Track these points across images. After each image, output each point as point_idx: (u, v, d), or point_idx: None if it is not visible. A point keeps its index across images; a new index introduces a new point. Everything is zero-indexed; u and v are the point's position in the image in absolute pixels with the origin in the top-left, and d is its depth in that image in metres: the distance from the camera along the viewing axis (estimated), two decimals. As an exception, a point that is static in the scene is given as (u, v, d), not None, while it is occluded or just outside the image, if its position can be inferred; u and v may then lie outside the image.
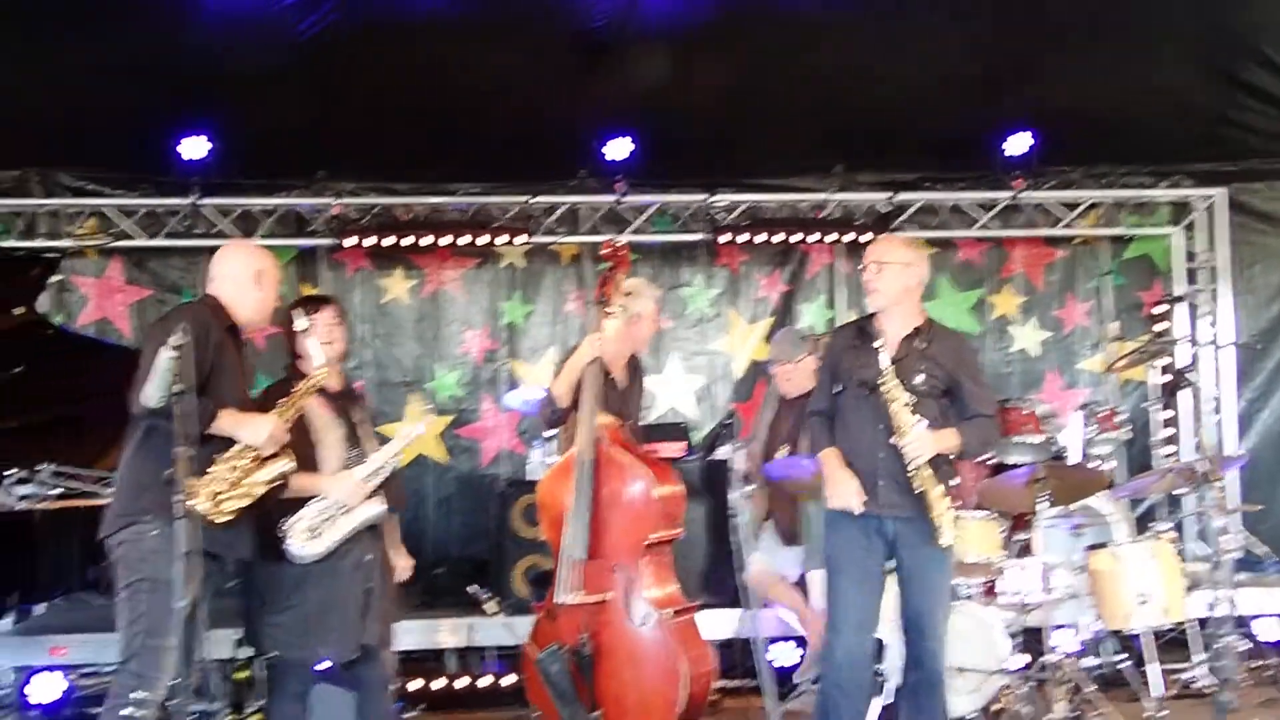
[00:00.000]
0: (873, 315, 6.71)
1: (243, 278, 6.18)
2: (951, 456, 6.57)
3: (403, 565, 6.88)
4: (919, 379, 6.43)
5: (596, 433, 7.30)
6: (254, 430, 5.87)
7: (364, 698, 6.59)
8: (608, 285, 7.51)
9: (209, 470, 5.76)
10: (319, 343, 6.40)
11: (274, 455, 5.92)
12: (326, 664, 8.03)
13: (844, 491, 6.45)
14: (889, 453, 6.36)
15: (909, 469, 6.28)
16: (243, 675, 8.84)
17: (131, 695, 5.74)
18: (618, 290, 7.53)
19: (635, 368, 7.98)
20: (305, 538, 6.11)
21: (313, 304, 6.67)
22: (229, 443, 5.84)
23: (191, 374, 5.49)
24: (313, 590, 6.21)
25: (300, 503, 6.19)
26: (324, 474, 6.31)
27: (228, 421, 5.84)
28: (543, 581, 7.64)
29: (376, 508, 6.25)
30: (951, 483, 6.52)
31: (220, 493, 5.77)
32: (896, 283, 6.60)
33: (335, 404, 6.48)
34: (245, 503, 5.84)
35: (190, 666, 5.86)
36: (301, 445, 6.26)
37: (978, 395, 6.61)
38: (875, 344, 6.39)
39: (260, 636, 6.35)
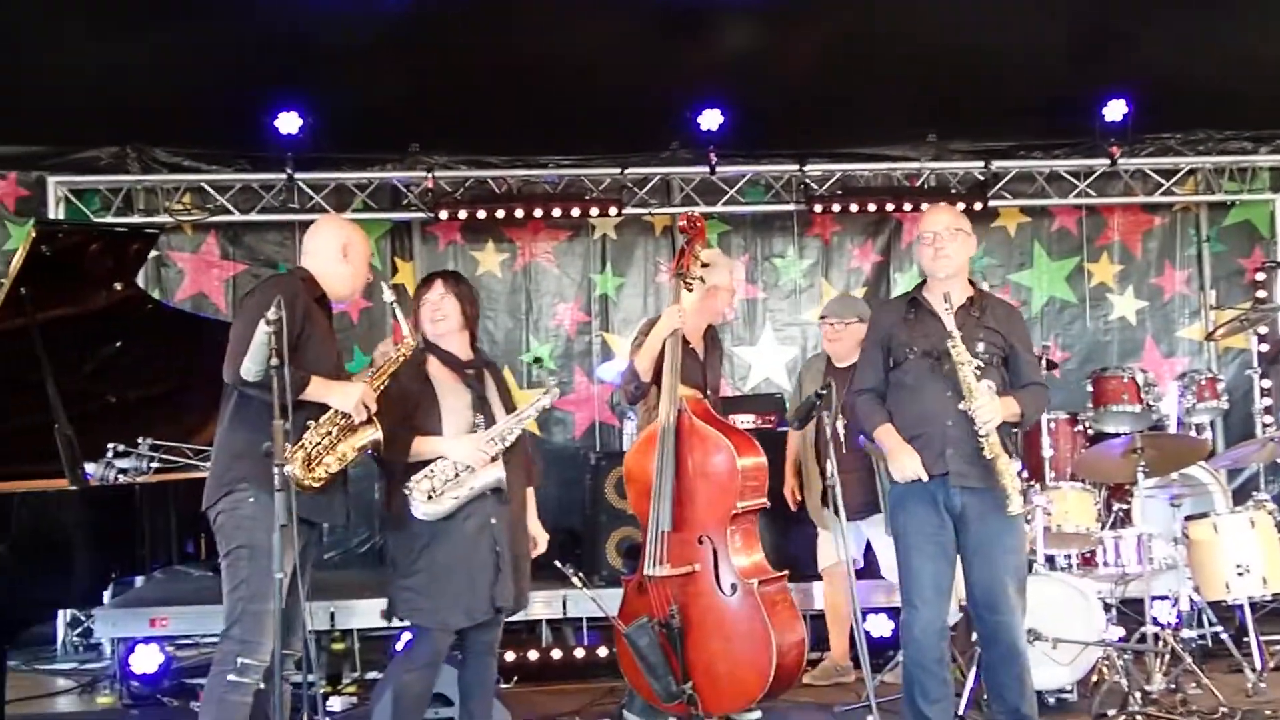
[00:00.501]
0: (920, 286, 6.67)
1: (329, 252, 6.19)
2: (1013, 427, 6.52)
3: (538, 538, 6.80)
4: (980, 347, 6.35)
5: (678, 404, 7.31)
6: (344, 396, 5.88)
7: (468, 662, 6.56)
8: (685, 257, 7.50)
9: (303, 436, 5.80)
10: (427, 317, 6.45)
11: (365, 424, 5.93)
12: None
13: (908, 462, 6.40)
14: (957, 420, 6.27)
15: (980, 433, 6.18)
16: (339, 647, 8.94)
17: (237, 660, 5.79)
18: (696, 261, 7.53)
19: (713, 339, 7.97)
20: (426, 498, 6.13)
21: (425, 280, 6.67)
22: (320, 411, 5.87)
23: (284, 344, 5.53)
24: (439, 553, 6.19)
25: (425, 465, 6.22)
26: (448, 434, 6.31)
27: (318, 388, 5.85)
28: (635, 553, 7.65)
29: (497, 472, 6.21)
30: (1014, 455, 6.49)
31: (312, 457, 5.81)
32: (964, 251, 6.56)
33: (461, 372, 6.45)
34: (336, 468, 5.87)
35: (294, 636, 5.92)
36: (427, 410, 6.30)
37: (1031, 363, 6.57)
38: (944, 307, 6.32)
39: (395, 602, 6.37)
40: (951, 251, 6.49)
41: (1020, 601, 6.41)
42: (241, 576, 5.82)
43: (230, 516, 5.85)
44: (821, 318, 8.69)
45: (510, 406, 6.56)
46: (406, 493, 6.14)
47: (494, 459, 6.25)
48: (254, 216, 11.20)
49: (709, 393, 7.67)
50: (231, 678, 5.78)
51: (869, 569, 8.59)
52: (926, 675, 6.41)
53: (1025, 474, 9.03)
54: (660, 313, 8.13)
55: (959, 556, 6.46)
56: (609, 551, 9.42)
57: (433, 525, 6.18)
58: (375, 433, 5.94)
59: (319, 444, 5.83)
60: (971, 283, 6.65)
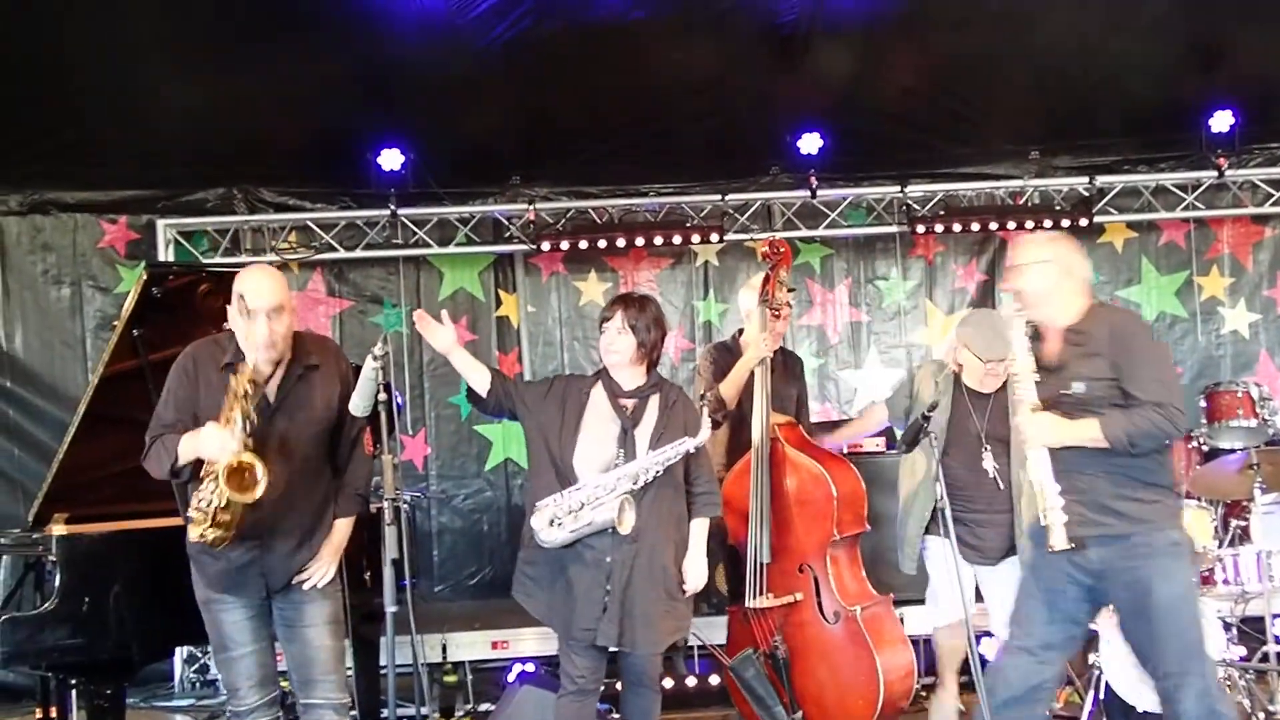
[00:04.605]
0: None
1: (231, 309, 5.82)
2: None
3: (690, 573, 6.39)
4: (1079, 387, 5.74)
5: (772, 432, 7.27)
6: (200, 443, 5.52)
7: (625, 692, 6.47)
8: (770, 284, 7.48)
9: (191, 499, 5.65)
10: (603, 346, 6.36)
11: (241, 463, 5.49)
12: (530, 667, 8.16)
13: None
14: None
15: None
16: (451, 679, 8.96)
17: (227, 710, 5.85)
18: (781, 288, 7.50)
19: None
20: (548, 523, 6.10)
21: (611, 303, 6.47)
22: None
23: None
24: (558, 571, 6.20)
25: (553, 486, 6.16)
26: (578, 463, 6.21)
27: (187, 446, 5.58)
28: (735, 574, 7.63)
29: (609, 513, 5.98)
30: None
31: (209, 514, 5.55)
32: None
33: (620, 403, 6.31)
34: (221, 503, 5.49)
35: (315, 684, 5.84)
36: (566, 434, 6.24)
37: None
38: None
39: (516, 577, 6.36)
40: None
41: (1181, 665, 5.67)
42: (209, 629, 5.83)
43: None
44: (987, 360, 7.12)
45: (683, 427, 6.27)
46: (534, 513, 6.13)
47: (618, 497, 6.07)
48: (359, 253, 11.33)
49: (800, 420, 7.68)
50: None
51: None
52: None
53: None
54: (733, 338, 8.14)
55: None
56: (716, 579, 9.38)
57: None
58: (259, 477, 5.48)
59: (211, 499, 5.55)
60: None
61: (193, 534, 5.60)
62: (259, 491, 5.48)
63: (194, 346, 5.87)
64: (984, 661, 7.79)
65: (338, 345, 6.20)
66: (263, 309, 5.59)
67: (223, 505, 5.49)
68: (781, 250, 7.59)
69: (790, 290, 7.70)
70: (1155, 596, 5.62)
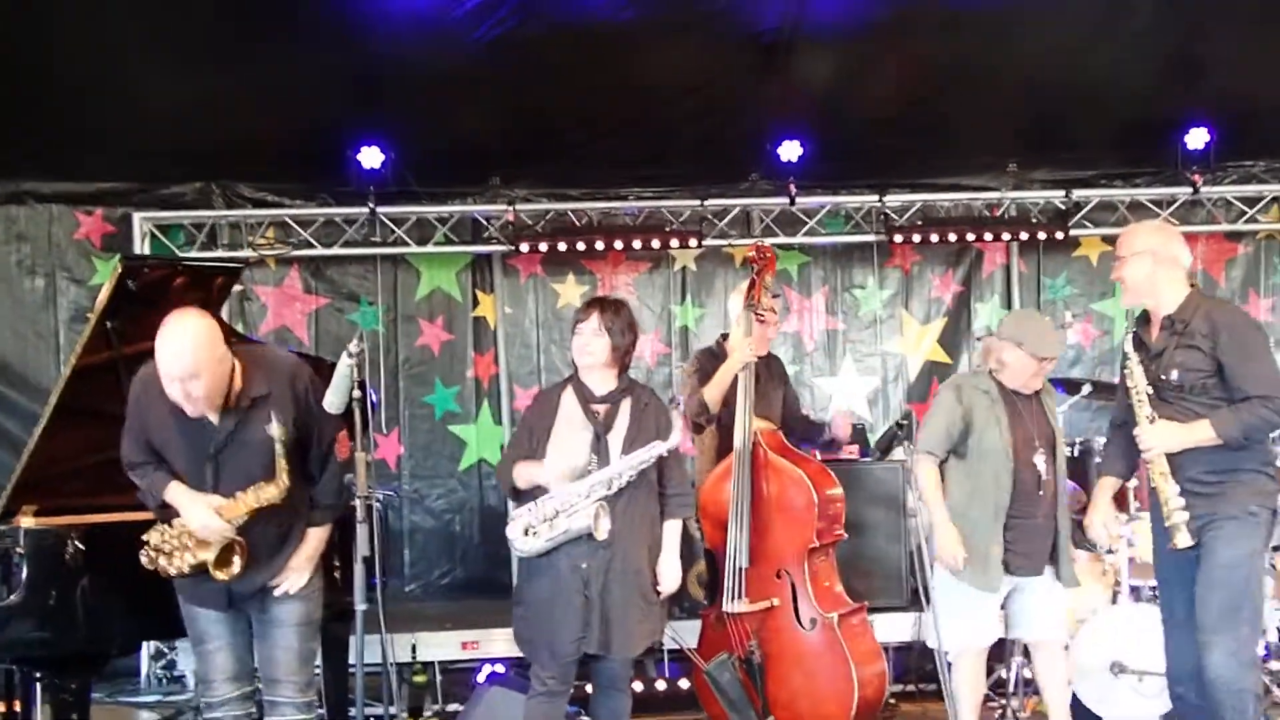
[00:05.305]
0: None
1: None
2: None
3: (664, 575, 6.44)
4: (1174, 374, 6.06)
5: (754, 438, 7.28)
6: (193, 517, 5.66)
7: (596, 695, 6.57)
8: (756, 289, 7.49)
9: (151, 533, 5.81)
10: (576, 348, 6.38)
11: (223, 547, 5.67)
12: (499, 668, 8.16)
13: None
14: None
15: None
16: (420, 679, 8.95)
17: (202, 700, 5.98)
18: (766, 293, 7.51)
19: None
20: (523, 533, 6.13)
21: (586, 306, 6.54)
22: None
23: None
24: (533, 589, 6.26)
25: (531, 499, 6.21)
26: (550, 471, 6.23)
27: (177, 494, 5.74)
28: (713, 584, 7.63)
29: (585, 520, 6.03)
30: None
31: (160, 550, 5.75)
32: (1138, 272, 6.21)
33: (588, 409, 6.36)
34: (172, 572, 5.73)
35: (278, 681, 5.91)
36: (538, 441, 6.31)
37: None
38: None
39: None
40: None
41: (1217, 624, 5.97)
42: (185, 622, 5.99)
43: None
44: (1042, 358, 6.98)
45: (654, 430, 6.34)
46: (509, 522, 6.15)
47: (593, 504, 6.11)
48: (336, 250, 11.29)
49: (780, 426, 7.66)
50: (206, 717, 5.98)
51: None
52: None
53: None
54: (717, 343, 8.14)
55: None
56: (690, 583, 9.38)
57: (531, 559, 6.19)
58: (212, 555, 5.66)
59: (168, 544, 5.75)
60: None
61: (143, 558, 5.74)
62: (234, 571, 5.64)
63: (145, 370, 5.83)
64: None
65: (294, 364, 6.02)
66: (175, 377, 5.53)
67: (196, 563, 5.65)
68: (767, 256, 7.60)
69: (775, 296, 7.70)
70: (1213, 555, 5.98)
